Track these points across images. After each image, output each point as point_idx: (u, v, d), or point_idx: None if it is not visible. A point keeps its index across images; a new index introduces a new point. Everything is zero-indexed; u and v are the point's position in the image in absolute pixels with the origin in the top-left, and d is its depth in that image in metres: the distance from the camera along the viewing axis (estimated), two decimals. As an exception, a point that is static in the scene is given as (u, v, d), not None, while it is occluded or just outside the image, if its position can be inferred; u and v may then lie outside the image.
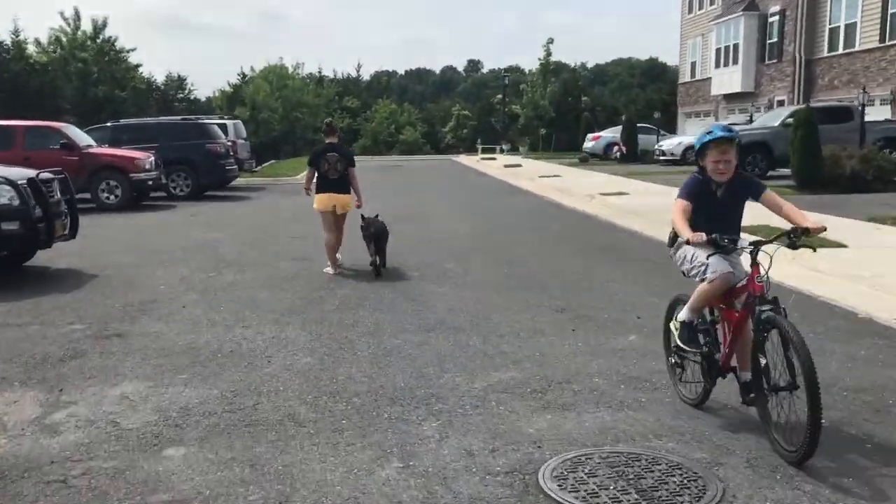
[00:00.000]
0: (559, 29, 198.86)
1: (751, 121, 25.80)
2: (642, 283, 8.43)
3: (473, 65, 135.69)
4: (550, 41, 46.70)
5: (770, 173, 20.72)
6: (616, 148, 33.23)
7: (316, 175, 9.41)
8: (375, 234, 9.19)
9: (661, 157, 29.36)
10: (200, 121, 20.33)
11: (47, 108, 27.56)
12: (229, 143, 20.48)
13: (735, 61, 34.21)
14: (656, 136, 33.87)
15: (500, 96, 61.09)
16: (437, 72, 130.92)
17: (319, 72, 59.10)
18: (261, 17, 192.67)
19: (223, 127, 22.17)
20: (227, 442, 4.28)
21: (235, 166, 20.58)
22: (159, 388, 5.21)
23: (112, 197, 16.71)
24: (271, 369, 5.57)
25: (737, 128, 22.64)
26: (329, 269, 9.31)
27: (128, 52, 40.03)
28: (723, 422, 4.39)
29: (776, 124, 20.60)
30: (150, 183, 17.09)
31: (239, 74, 53.77)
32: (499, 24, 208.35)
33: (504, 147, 47.34)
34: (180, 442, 4.31)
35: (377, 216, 9.57)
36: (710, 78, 37.64)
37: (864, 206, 13.94)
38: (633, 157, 31.36)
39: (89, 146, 17.06)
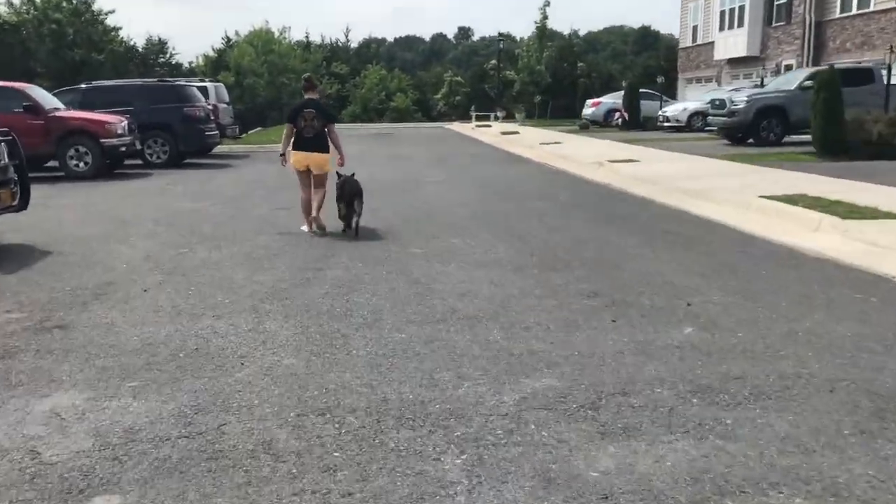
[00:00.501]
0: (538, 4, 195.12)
1: (761, 84, 24.60)
2: (678, 260, 7.31)
3: (464, 32, 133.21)
4: (547, 3, 45.04)
5: (785, 139, 19.60)
6: (618, 115, 31.94)
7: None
8: (346, 194, 8.81)
9: (666, 124, 28.17)
10: (178, 83, 18.89)
11: (19, 72, 25.99)
12: (210, 107, 19.10)
13: (740, 24, 32.89)
14: (659, 102, 32.61)
15: (493, 62, 59.49)
16: (427, 39, 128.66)
17: (307, 37, 57.33)
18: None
19: (203, 90, 20.78)
20: (177, 487, 3.16)
21: (217, 132, 19.24)
22: (100, 402, 4.08)
23: (82, 164, 15.39)
24: (244, 374, 4.44)
25: (747, 92, 21.62)
26: (304, 227, 9.10)
27: (106, 14, 38.22)
28: (845, 455, 3.29)
29: (793, 87, 19.41)
30: (124, 149, 15.77)
31: (223, 38, 52.03)
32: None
33: (499, 114, 45.86)
34: (116, 486, 3.19)
35: (353, 175, 9.10)
36: (713, 42, 36.29)
37: (893, 173, 12.84)
38: (635, 124, 30.10)
39: (56, 109, 15.70)
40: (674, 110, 28.25)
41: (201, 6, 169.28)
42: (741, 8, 32.82)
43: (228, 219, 10.22)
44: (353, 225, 8.87)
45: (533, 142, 24.49)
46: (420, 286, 6.45)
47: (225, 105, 22.30)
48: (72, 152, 15.29)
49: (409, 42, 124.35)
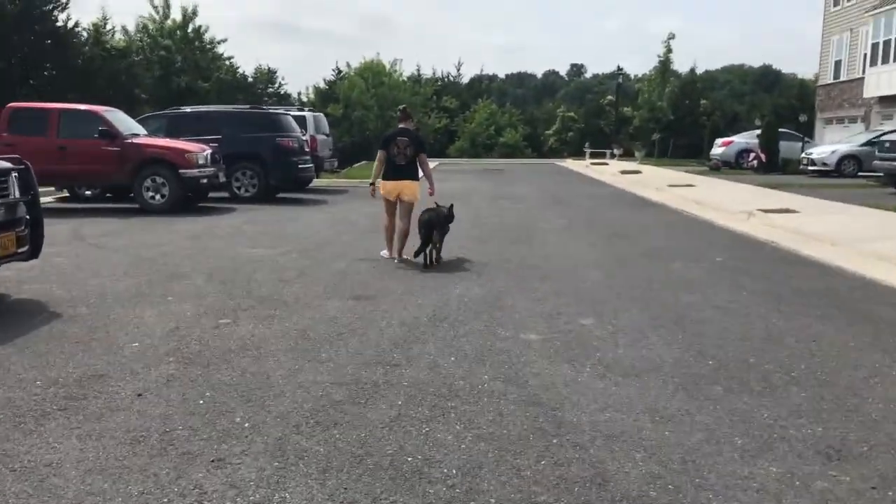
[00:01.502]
0: (664, 35, 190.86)
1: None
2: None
3: (576, 69, 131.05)
4: (671, 36, 42.14)
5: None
6: (753, 156, 28.70)
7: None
8: (427, 221, 8.55)
9: (811, 168, 24.87)
10: (271, 111, 17.40)
11: (122, 98, 25.50)
12: (305, 138, 17.50)
13: (899, 57, 29.11)
14: (801, 143, 29.23)
15: (610, 97, 56.84)
16: (539, 76, 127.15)
17: (417, 70, 56.30)
18: (362, 21, 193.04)
19: (301, 120, 19.28)
20: None
21: (311, 165, 17.57)
22: None
23: (158, 196, 13.92)
24: None
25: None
26: (385, 253, 9.15)
27: (218, 42, 38.09)
28: None
29: None
30: (205, 181, 14.22)
31: (334, 70, 51.50)
32: (602, 29, 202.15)
33: (615, 151, 43.08)
34: None
35: (450, 206, 9.03)
36: (862, 78, 32.48)
37: None
38: (773, 166, 26.83)
39: (135, 135, 14.35)
40: (821, 152, 24.91)
41: (318, 41, 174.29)
42: (900, 39, 29.07)
43: (298, 274, 8.21)
44: (432, 258, 8.65)
45: (660, 183, 21.80)
46: (539, 412, 4.16)
47: (324, 136, 20.73)
48: (148, 183, 13.85)
49: (520, 78, 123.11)
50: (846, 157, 24.01)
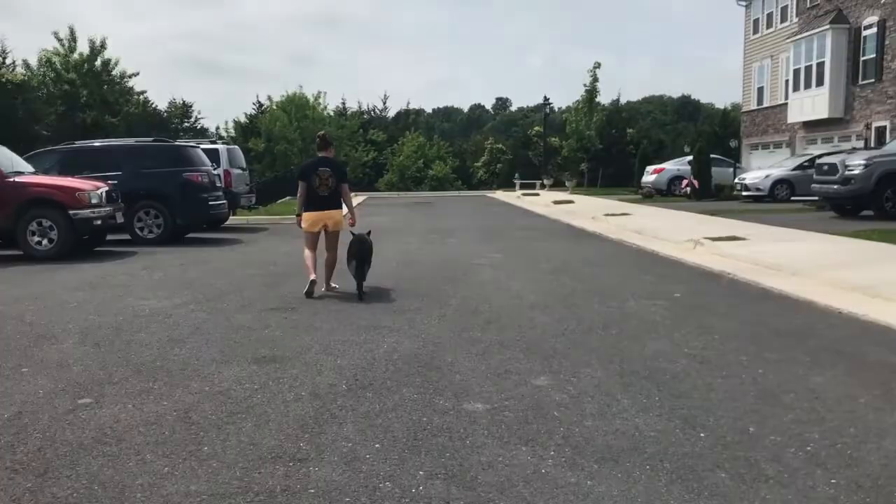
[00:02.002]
0: (585, 69, 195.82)
1: (865, 147, 21.04)
2: None
3: (502, 102, 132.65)
4: (597, 65, 41.90)
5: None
6: (685, 182, 28.43)
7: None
8: (359, 251, 8.53)
9: (745, 193, 24.63)
10: (177, 144, 15.93)
11: (20, 133, 23.53)
12: (217, 173, 16.09)
13: (819, 83, 29.44)
14: (732, 169, 29.18)
15: (537, 128, 56.79)
16: (465, 110, 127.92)
17: (343, 103, 55.17)
18: (287, 59, 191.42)
19: (213, 153, 17.86)
20: None
21: (224, 202, 16.14)
22: None
23: (45, 241, 12.26)
24: None
25: (864, 155, 18.12)
26: (312, 276, 8.52)
27: (129, 76, 36.14)
28: None
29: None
30: (99, 222, 12.67)
31: (254, 104, 49.90)
32: (525, 64, 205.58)
33: (545, 182, 42.63)
34: None
35: (368, 233, 8.87)
36: (786, 104, 32.87)
37: None
38: (706, 192, 26.55)
39: (19, 174, 12.73)
40: (754, 178, 24.72)
41: (241, 77, 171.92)
42: (820, 65, 29.41)
43: (192, 331, 6.88)
44: (361, 287, 8.48)
45: (595, 212, 21.11)
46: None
47: (240, 170, 19.30)
48: (33, 226, 12.22)
49: (446, 112, 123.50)
50: (779, 182, 23.83)
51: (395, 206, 29.90)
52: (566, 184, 39.97)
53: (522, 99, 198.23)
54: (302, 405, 4.65)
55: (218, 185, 16.03)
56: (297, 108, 43.92)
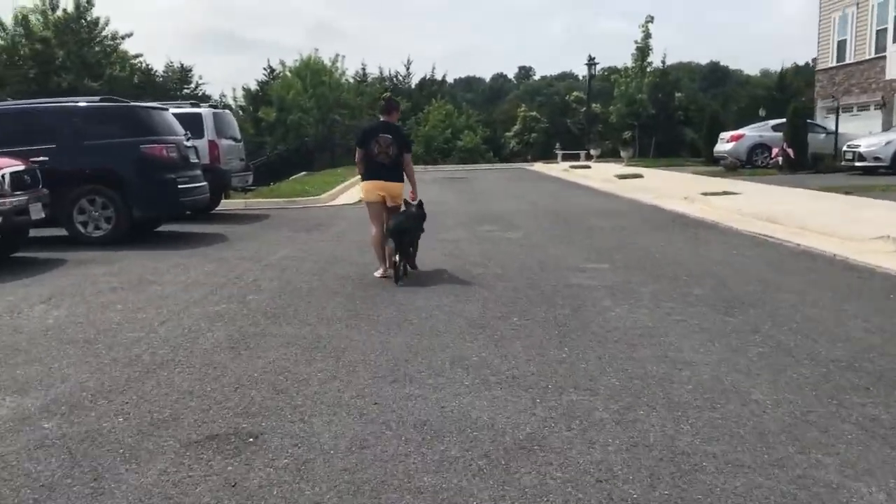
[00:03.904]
0: (609, 38, 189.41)
1: None
2: None
3: (525, 71, 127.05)
4: (650, 19, 36.84)
5: None
6: (776, 151, 23.72)
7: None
8: (396, 228, 7.38)
9: (858, 164, 19.99)
10: (135, 105, 11.43)
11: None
12: (191, 144, 11.73)
13: (933, 30, 24.52)
14: (823, 135, 24.47)
15: (576, 93, 51.88)
16: (487, 80, 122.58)
17: (363, 69, 50.50)
18: (309, 31, 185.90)
19: (193, 119, 13.57)
20: None
21: (203, 184, 11.82)
22: None
23: None
24: None
25: None
26: (378, 273, 7.80)
27: (122, 37, 31.73)
28: None
29: None
30: (18, 218, 8.48)
31: (265, 69, 45.26)
32: (546, 33, 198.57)
33: (592, 152, 37.88)
34: None
35: (420, 204, 7.87)
36: (879, 58, 27.95)
37: None
38: (802, 163, 21.86)
39: None
40: (871, 144, 20.03)
41: (263, 51, 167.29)
42: (933, 8, 24.47)
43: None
44: (402, 268, 7.50)
45: (682, 190, 16.63)
46: None
47: (232, 142, 14.96)
48: None
49: (468, 82, 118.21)
50: (904, 149, 19.19)
51: (425, 182, 25.40)
52: (622, 154, 35.15)
53: (545, 68, 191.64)
54: None
55: (194, 160, 11.70)
56: (313, 73, 39.50)
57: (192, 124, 13.34)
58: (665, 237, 10.44)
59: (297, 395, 4.29)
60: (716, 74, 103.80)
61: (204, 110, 14.37)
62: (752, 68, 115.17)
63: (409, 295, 6.85)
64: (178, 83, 37.56)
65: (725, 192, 15.33)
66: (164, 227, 12.37)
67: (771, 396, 4.12)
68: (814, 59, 36.72)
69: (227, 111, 16.62)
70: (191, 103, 15.22)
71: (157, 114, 11.36)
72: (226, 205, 15.75)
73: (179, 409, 4.09)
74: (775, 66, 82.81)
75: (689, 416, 3.86)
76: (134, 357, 5.09)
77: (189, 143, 11.62)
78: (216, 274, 8.20)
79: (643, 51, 37.44)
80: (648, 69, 38.85)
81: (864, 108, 31.18)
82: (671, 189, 17.41)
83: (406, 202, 7.90)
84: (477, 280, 7.47)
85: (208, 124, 13.98)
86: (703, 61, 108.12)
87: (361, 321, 5.91)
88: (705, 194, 15.13)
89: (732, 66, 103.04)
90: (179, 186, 10.89)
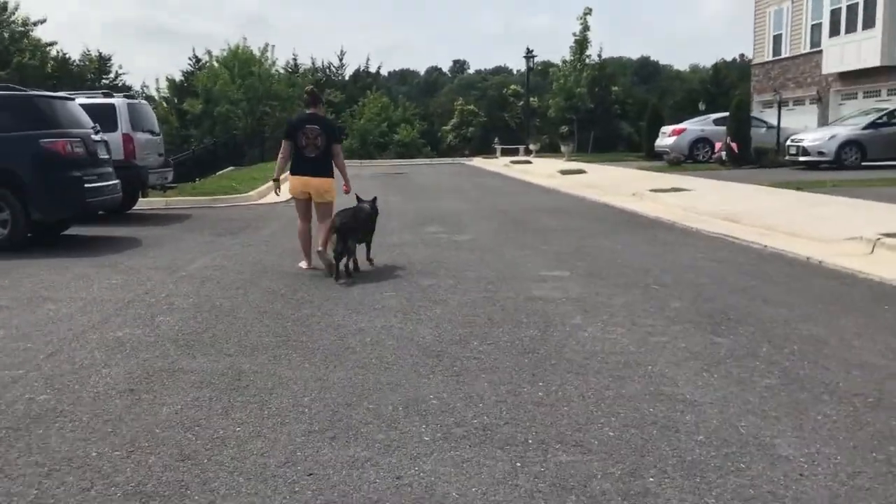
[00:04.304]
0: (539, 32, 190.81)
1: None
2: None
3: (459, 65, 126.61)
4: (588, 11, 36.49)
5: None
6: (718, 146, 23.44)
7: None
8: (342, 228, 7.13)
9: (802, 158, 19.79)
10: (32, 93, 10.12)
11: None
12: (99, 138, 10.45)
13: (868, 25, 24.61)
14: (764, 129, 24.34)
15: (514, 87, 51.37)
16: (422, 73, 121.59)
17: (294, 60, 48.95)
18: (240, 23, 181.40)
19: (106, 110, 12.29)
20: None
21: (115, 182, 10.58)
22: None
23: None
24: None
25: None
26: (303, 264, 7.75)
27: (35, 24, 29.65)
28: None
29: None
30: None
31: (191, 59, 43.35)
32: (479, 27, 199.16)
33: (532, 147, 37.31)
34: None
35: (374, 199, 7.86)
36: (814, 53, 28.13)
37: None
38: (744, 158, 21.58)
39: None
40: (815, 139, 19.84)
41: (192, 43, 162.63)
42: (868, 3, 24.57)
43: None
44: (343, 266, 7.18)
45: (628, 186, 16.07)
46: None
47: (149, 135, 13.65)
48: None
49: (403, 75, 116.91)
50: (848, 144, 19.04)
51: (362, 179, 24.35)
52: (562, 149, 34.65)
53: (479, 62, 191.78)
54: None
55: (104, 156, 10.46)
56: (242, 64, 37.95)
57: (105, 116, 12.05)
58: (623, 239, 9.72)
59: (209, 462, 3.33)
60: (647, 69, 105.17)
61: (118, 101, 13.03)
62: (681, 63, 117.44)
63: (349, 314, 5.91)
64: (96, 73, 35.46)
65: (675, 189, 14.80)
66: (72, 231, 11.10)
67: (801, 450, 3.36)
68: (741, 55, 37.01)
69: (143, 102, 15.23)
70: (103, 93, 13.86)
71: (60, 104, 10.08)
72: (144, 204, 14.47)
73: (49, 490, 3.09)
74: (704, 62, 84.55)
75: (712, 484, 3.05)
76: (4, 407, 4.04)
77: (98, 137, 10.37)
78: (123, 288, 7.09)
79: (581, 44, 37.09)
80: (587, 62, 38.45)
81: (799, 102, 31.40)
82: (618, 185, 16.84)
83: (358, 198, 7.79)
84: (428, 293, 6.57)
85: (123, 116, 12.68)
86: (634, 56, 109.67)
87: (293, 350, 4.96)
88: (654, 191, 14.56)
89: (663, 62, 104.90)
90: (86, 185, 9.65)
